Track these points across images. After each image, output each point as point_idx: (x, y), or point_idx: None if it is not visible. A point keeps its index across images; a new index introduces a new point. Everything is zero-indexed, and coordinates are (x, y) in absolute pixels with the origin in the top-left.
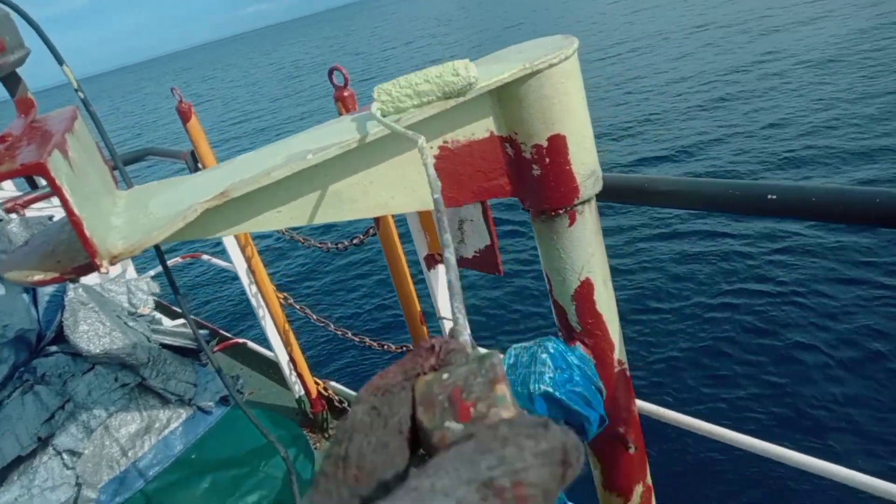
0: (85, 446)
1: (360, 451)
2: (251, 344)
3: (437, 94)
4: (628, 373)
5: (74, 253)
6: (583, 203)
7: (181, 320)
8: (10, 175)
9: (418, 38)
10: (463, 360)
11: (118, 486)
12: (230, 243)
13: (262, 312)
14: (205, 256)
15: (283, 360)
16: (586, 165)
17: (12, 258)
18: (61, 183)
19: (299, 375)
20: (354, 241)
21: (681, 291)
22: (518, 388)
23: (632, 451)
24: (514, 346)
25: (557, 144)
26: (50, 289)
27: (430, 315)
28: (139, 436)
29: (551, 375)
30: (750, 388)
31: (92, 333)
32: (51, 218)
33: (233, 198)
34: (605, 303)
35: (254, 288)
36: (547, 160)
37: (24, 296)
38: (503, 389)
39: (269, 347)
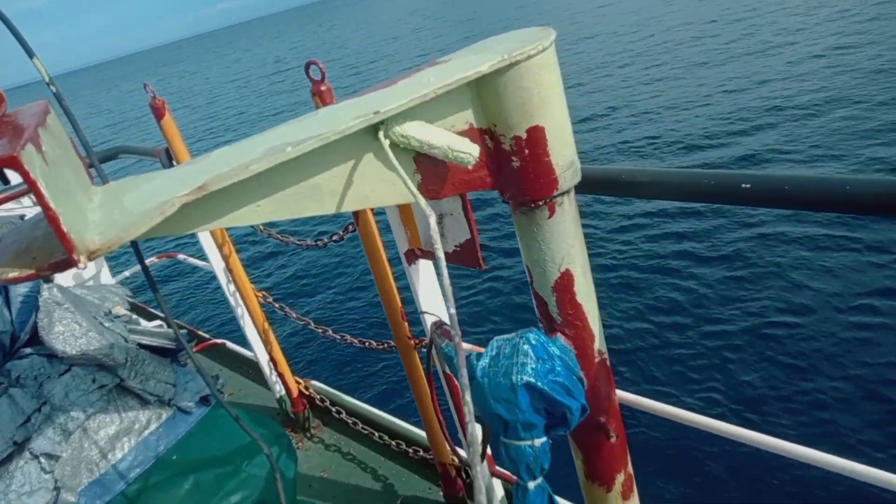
0: (63, 449)
1: None
2: (230, 344)
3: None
4: (608, 363)
5: (51, 249)
6: (562, 194)
7: (157, 321)
8: None
9: (404, 35)
10: None
11: (98, 489)
12: (207, 242)
13: (241, 311)
14: (181, 256)
15: (263, 359)
16: (565, 157)
17: None
18: (36, 176)
19: (280, 375)
20: (334, 238)
21: (659, 282)
22: (500, 379)
23: (613, 440)
24: (496, 338)
25: (536, 136)
26: (23, 290)
27: (412, 311)
28: (119, 437)
29: (533, 366)
30: (723, 375)
31: (68, 334)
32: (22, 217)
33: (211, 192)
34: (585, 294)
35: (232, 287)
36: (526, 152)
37: None
38: None
39: (248, 347)
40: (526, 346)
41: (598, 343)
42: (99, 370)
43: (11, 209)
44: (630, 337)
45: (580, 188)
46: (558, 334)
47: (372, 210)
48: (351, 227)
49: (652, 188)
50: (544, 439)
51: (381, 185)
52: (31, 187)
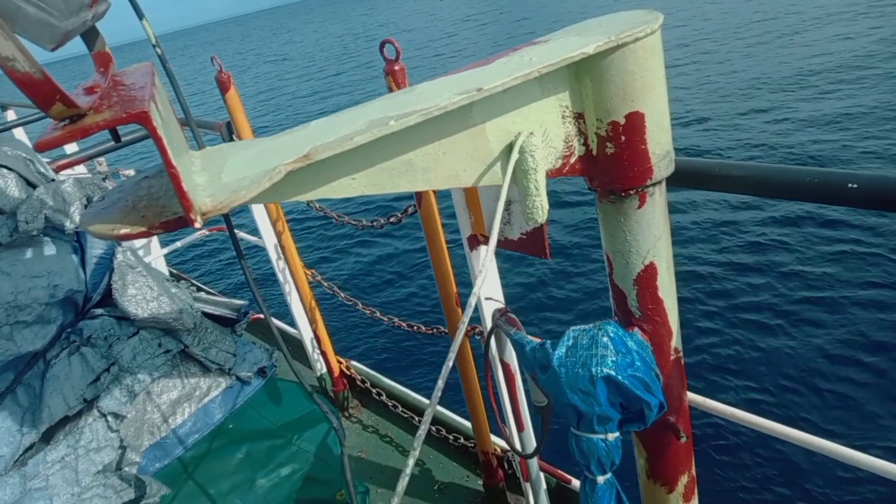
0: (128, 410)
1: None
2: (273, 319)
3: None
4: (682, 361)
5: (158, 208)
6: (654, 185)
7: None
8: (115, 122)
9: (472, 17)
10: None
11: (158, 452)
12: (260, 217)
13: (289, 288)
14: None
15: (307, 337)
16: (661, 146)
17: (90, 213)
18: (161, 133)
19: (322, 353)
20: (391, 220)
21: (742, 284)
22: (579, 370)
23: (682, 440)
24: (573, 328)
25: (635, 122)
26: (98, 251)
27: (467, 297)
28: (180, 403)
29: (613, 359)
30: (795, 381)
31: (140, 297)
32: (105, 179)
33: (315, 161)
34: (667, 288)
35: (282, 263)
36: (623, 138)
37: (74, 257)
38: None
39: (292, 324)
40: (605, 339)
41: (675, 340)
42: (165, 335)
43: (69, 175)
44: (701, 337)
45: (671, 181)
46: (635, 328)
47: (435, 192)
48: (411, 209)
49: (748, 184)
50: (617, 434)
51: (473, 165)
52: (156, 143)
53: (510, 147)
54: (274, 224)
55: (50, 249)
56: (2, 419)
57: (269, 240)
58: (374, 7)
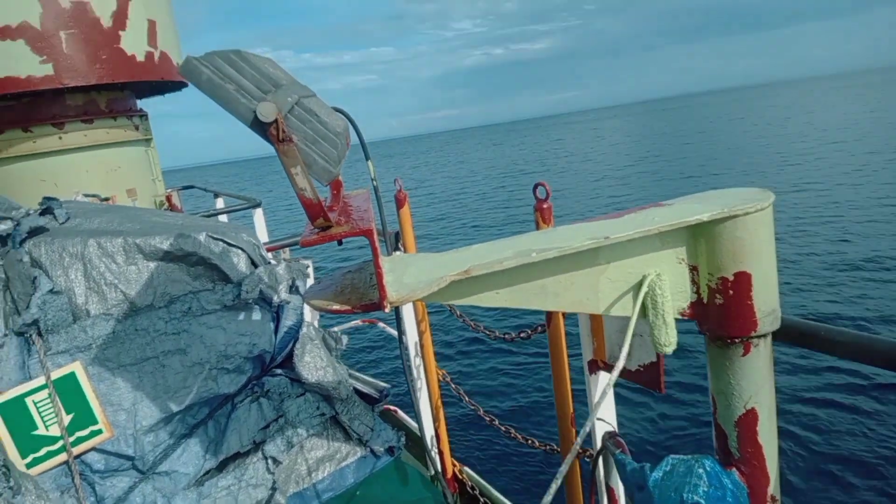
0: (284, 458)
1: None
2: (400, 413)
3: None
4: None
5: (359, 295)
6: (759, 337)
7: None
8: (351, 234)
9: (605, 154)
10: None
11: (299, 500)
12: (408, 315)
13: (420, 384)
14: (381, 324)
15: (428, 433)
16: (767, 304)
17: (311, 291)
18: (378, 245)
19: (440, 452)
20: (521, 335)
21: (846, 444)
22: (671, 494)
23: None
24: (672, 456)
25: (742, 280)
26: (289, 323)
27: (581, 419)
28: (323, 461)
29: (706, 489)
30: None
31: (313, 365)
32: (307, 266)
33: (472, 276)
34: (767, 435)
35: (418, 360)
36: (731, 292)
37: (271, 324)
38: None
39: (414, 418)
40: (701, 470)
41: (772, 488)
42: (323, 400)
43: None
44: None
45: (778, 336)
46: (734, 469)
47: (563, 315)
48: (540, 328)
49: (852, 350)
50: None
51: (594, 296)
52: (374, 253)
53: (640, 283)
54: (418, 323)
55: (256, 315)
56: (193, 444)
57: (411, 336)
58: (546, 136)
